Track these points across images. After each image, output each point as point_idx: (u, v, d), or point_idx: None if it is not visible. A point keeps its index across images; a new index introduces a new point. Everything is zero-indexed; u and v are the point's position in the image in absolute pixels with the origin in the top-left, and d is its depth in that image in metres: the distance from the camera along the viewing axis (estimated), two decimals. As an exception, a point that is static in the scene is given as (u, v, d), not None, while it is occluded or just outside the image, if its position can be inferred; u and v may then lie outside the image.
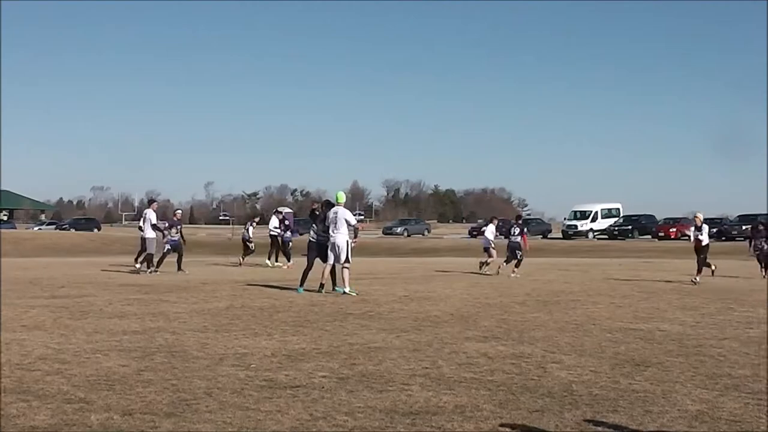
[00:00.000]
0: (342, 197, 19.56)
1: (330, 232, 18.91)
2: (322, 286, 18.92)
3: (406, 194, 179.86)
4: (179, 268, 27.15)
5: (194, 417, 7.13)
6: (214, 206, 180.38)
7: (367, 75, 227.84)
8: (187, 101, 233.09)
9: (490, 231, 30.24)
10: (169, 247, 27.56)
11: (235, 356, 10.26)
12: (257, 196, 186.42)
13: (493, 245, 29.55)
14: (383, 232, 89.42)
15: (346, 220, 18.77)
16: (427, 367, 9.67)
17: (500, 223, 34.78)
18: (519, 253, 27.82)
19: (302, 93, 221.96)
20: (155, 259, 26.88)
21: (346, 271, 18.85)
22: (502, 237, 29.95)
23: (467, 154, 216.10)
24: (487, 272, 28.18)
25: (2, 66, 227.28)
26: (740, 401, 8.02)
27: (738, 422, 7.22)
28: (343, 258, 18.72)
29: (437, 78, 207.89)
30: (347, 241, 18.81)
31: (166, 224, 28.58)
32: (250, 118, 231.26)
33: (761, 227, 28.26)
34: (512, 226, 29.00)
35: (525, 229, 28.93)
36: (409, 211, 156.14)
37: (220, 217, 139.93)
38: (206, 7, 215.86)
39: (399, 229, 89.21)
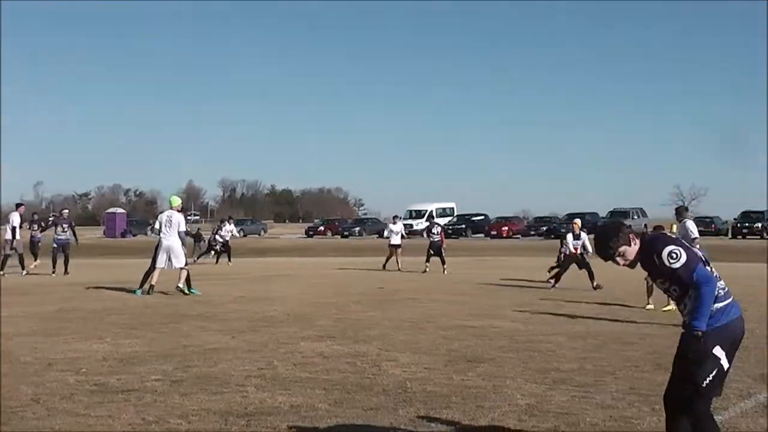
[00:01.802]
0: (176, 201, 19.44)
1: (161, 235, 18.89)
2: (152, 287, 18.57)
3: (243, 194, 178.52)
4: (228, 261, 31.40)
5: (20, 425, 6.89)
6: (44, 207, 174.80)
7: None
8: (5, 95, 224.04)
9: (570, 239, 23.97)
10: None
11: (64, 361, 9.96)
12: (89, 196, 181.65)
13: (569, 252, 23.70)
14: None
15: (179, 225, 18.78)
16: (262, 368, 9.63)
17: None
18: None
19: (131, 89, 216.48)
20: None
21: (184, 272, 18.67)
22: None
23: (303, 154, 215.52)
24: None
25: None
26: (568, 394, 8.28)
27: (565, 414, 7.45)
28: (182, 260, 18.58)
29: (271, 76, 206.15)
30: (180, 244, 18.78)
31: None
32: (78, 112, 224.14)
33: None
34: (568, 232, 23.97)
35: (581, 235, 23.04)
36: (245, 211, 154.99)
37: (50, 218, 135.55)
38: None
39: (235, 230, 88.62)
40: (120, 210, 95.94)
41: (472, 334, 12.71)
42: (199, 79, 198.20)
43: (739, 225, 65.44)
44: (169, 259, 18.57)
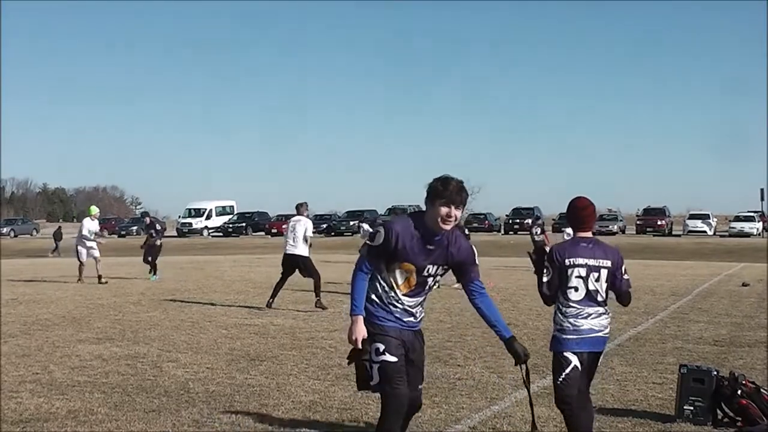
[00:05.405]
0: (94, 210, 24.12)
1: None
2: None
3: (12, 193, 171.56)
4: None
5: None
6: None
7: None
8: None
9: None
10: None
11: None
12: None
13: None
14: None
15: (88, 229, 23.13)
16: (37, 373, 9.31)
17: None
18: None
19: None
20: None
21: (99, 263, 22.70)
22: None
23: (77, 151, 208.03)
24: None
25: None
26: (350, 390, 8.39)
27: (348, 410, 7.57)
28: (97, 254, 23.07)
29: (37, 72, 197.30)
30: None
31: None
32: None
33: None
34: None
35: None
36: (16, 211, 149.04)
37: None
38: None
39: (5, 230, 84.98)
40: None
41: (252, 332, 12.71)
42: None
43: (510, 221, 68.27)
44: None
